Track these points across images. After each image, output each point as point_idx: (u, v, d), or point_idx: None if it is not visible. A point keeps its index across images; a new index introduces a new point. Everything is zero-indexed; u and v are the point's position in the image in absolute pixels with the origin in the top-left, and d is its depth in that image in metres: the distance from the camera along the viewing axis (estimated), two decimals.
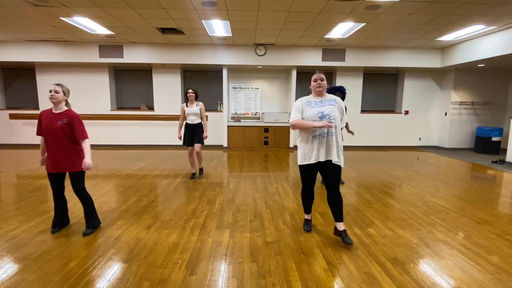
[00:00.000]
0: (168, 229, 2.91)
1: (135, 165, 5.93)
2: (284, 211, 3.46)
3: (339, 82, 8.56)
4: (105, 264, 2.25)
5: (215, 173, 5.38)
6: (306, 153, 2.66)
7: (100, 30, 6.29)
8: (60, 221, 2.89)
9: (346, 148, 8.57)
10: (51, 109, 2.68)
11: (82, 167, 2.64)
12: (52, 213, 3.26)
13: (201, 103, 4.77)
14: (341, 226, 2.67)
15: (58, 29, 6.34)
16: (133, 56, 7.68)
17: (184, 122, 4.82)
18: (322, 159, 2.60)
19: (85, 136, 2.70)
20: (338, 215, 2.66)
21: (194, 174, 5.01)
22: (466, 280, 2.10)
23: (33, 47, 7.54)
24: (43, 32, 6.62)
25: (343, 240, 2.62)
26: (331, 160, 2.60)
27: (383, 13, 5.09)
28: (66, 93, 2.69)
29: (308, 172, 2.73)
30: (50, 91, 2.61)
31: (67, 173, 2.77)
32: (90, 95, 8.29)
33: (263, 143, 8.31)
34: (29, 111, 8.39)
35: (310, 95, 2.74)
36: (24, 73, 8.46)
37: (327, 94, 2.71)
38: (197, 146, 4.77)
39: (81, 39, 7.28)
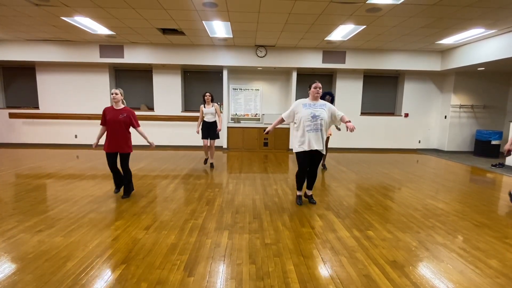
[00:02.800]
0: (167, 230, 2.90)
1: (135, 166, 5.92)
2: (283, 212, 3.45)
3: (339, 84, 8.58)
4: (103, 264, 2.24)
5: (215, 174, 5.37)
6: (301, 142, 3.47)
7: (101, 30, 6.30)
8: (120, 183, 3.95)
9: (345, 150, 8.59)
10: (112, 106, 3.70)
11: (150, 146, 3.93)
12: (52, 212, 3.28)
13: (216, 104, 5.69)
14: (309, 192, 3.83)
15: (59, 29, 6.34)
16: (133, 56, 7.68)
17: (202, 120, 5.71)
18: (313, 147, 3.42)
19: (139, 125, 3.81)
20: (310, 185, 3.78)
21: (207, 159, 6.03)
22: (465, 284, 2.09)
23: (33, 47, 7.54)
24: (43, 32, 6.63)
25: (309, 201, 3.80)
26: (317, 149, 3.46)
27: (383, 16, 5.11)
28: (122, 94, 3.71)
29: (303, 157, 3.52)
30: (112, 94, 3.63)
31: (118, 153, 3.75)
32: (90, 95, 8.28)
33: (262, 144, 8.30)
34: (29, 110, 8.38)
35: (307, 98, 3.58)
36: (24, 72, 8.45)
37: (320, 99, 3.57)
38: (212, 141, 5.74)
39: (81, 39, 7.28)
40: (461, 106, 8.35)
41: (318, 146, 3.43)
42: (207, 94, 5.56)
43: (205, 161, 6.06)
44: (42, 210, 3.38)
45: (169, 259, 2.35)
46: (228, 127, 8.25)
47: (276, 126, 3.73)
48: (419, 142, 8.99)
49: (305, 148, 3.44)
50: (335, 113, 3.53)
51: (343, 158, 7.28)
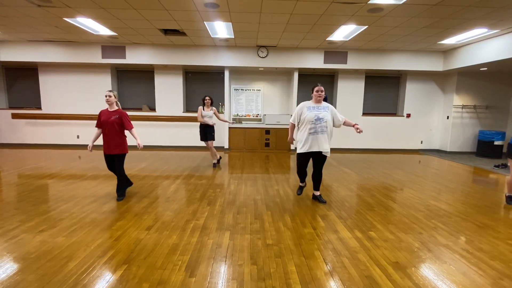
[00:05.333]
0: (168, 230, 2.90)
1: (136, 166, 5.93)
2: (285, 213, 3.45)
3: (340, 84, 8.56)
4: (105, 265, 2.25)
5: (216, 174, 5.37)
6: (302, 144, 3.60)
7: (103, 31, 6.32)
8: (122, 186, 3.89)
9: (347, 150, 8.58)
10: (107, 108, 3.74)
11: (138, 147, 3.69)
12: (52, 213, 3.28)
13: (214, 108, 5.83)
14: (317, 193, 3.90)
15: (61, 30, 6.37)
16: (135, 57, 7.70)
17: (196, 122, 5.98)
18: (314, 149, 3.58)
19: (131, 127, 3.76)
20: (317, 186, 3.88)
21: (214, 163, 6.05)
22: (468, 285, 2.08)
23: (36, 47, 7.58)
24: (46, 33, 6.65)
25: (319, 201, 3.84)
26: (321, 151, 3.59)
27: (385, 16, 5.09)
28: (116, 96, 3.74)
29: (303, 158, 3.72)
30: (106, 96, 3.66)
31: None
32: (92, 96, 8.31)
33: (264, 145, 8.30)
34: (31, 111, 8.41)
35: (310, 101, 3.68)
36: (27, 73, 8.49)
37: (323, 102, 3.67)
38: (209, 142, 5.84)
39: (84, 40, 7.31)
40: (463, 107, 8.31)
41: (320, 148, 3.56)
42: (207, 97, 5.73)
43: (214, 165, 6.03)
44: (44, 210, 3.38)
45: (170, 259, 2.35)
46: (229, 128, 8.24)
47: (292, 131, 3.85)
48: (421, 142, 8.96)
49: (306, 149, 3.59)
50: (337, 116, 3.66)
51: (344, 159, 7.26)
